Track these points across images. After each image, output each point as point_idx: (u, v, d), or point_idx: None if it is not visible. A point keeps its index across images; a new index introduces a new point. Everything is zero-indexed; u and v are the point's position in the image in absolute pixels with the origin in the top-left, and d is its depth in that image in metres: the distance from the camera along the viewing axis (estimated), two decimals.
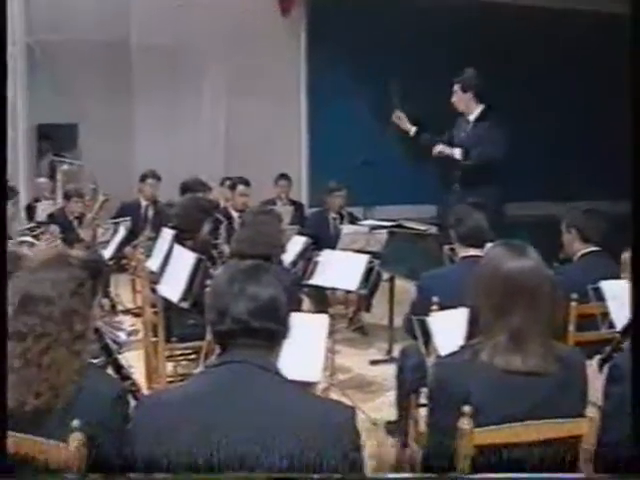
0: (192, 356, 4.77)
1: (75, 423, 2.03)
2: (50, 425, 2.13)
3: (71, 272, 2.27)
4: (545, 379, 2.25)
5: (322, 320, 3.24)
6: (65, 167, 9.06)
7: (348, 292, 6.13)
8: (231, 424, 1.86)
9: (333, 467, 1.83)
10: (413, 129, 6.60)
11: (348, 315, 6.66)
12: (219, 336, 2.01)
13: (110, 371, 2.68)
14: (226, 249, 5.57)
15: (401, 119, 6.65)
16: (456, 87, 6.30)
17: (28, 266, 2.37)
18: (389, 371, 4.94)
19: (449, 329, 2.99)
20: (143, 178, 8.04)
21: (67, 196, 7.77)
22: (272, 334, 1.99)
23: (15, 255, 3.26)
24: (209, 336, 3.32)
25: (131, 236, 6.82)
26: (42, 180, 9.23)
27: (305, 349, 2.73)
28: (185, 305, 4.19)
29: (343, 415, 1.95)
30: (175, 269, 4.38)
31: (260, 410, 1.89)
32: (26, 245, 4.82)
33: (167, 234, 4.94)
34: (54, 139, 10.89)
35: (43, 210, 8.25)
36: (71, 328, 2.22)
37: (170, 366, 4.85)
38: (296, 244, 5.48)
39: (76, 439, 2.02)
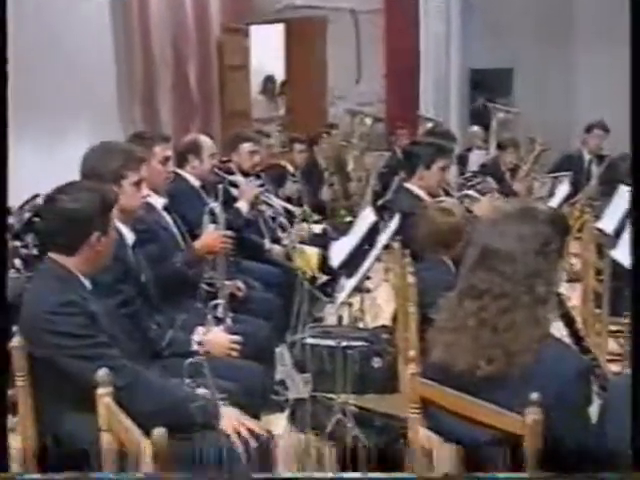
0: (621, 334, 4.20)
1: (534, 396, 1.84)
2: (502, 394, 1.98)
3: (537, 228, 2.11)
4: None
5: None
6: (500, 115, 8.90)
7: None
8: None
9: None
10: None
11: None
12: None
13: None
14: None
15: None
16: None
17: (489, 218, 2.23)
18: None
19: None
20: (589, 129, 7.60)
21: (501, 146, 7.68)
22: None
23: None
24: None
25: (572, 192, 6.41)
26: (475, 129, 9.20)
27: None
28: None
29: None
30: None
31: None
32: (468, 200, 4.71)
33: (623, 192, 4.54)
34: (487, 85, 10.70)
35: (475, 160, 8.25)
36: (532, 290, 2.06)
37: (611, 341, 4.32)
38: None
39: (534, 413, 1.84)
